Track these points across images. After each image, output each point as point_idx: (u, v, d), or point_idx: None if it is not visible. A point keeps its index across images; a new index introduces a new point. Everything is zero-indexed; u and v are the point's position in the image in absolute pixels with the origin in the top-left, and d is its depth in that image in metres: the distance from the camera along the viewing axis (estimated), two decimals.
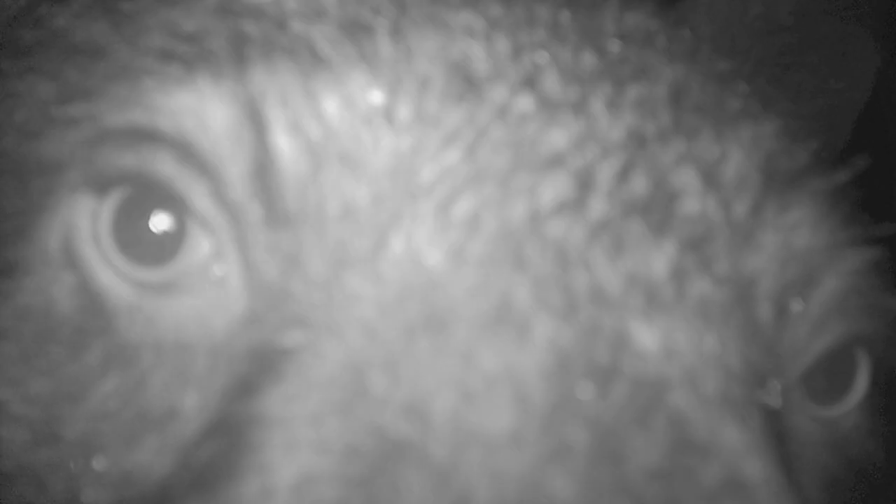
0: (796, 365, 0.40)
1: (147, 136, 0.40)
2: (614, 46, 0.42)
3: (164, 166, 0.40)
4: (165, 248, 0.40)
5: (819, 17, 0.57)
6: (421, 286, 0.35)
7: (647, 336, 0.33)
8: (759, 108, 0.42)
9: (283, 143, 0.38)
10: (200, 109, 0.39)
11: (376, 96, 0.39)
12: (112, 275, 0.40)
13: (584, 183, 0.37)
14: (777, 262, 0.38)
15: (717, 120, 0.40)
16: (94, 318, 0.40)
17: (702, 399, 0.31)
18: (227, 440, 0.37)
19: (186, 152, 0.40)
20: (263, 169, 0.38)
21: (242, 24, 0.42)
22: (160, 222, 0.40)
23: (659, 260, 0.35)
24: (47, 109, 0.44)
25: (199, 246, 0.40)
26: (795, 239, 0.39)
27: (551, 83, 0.39)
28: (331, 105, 0.39)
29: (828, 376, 0.41)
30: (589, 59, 0.41)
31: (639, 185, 0.37)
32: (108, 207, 0.41)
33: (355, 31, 0.41)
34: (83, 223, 0.41)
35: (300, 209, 0.38)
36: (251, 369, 0.37)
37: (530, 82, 0.39)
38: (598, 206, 0.36)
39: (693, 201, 0.37)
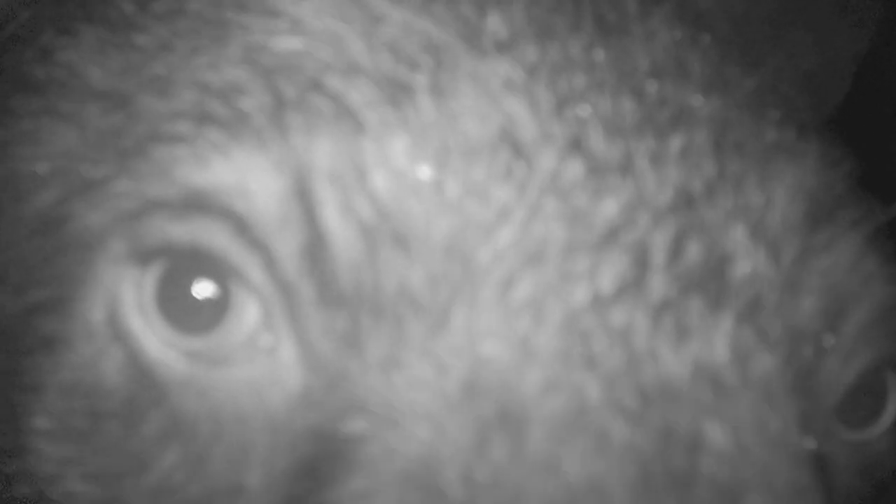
0: (831, 398, 0.41)
1: (195, 208, 0.40)
2: (651, 87, 0.41)
3: (213, 238, 0.40)
4: (212, 316, 0.40)
5: None
6: (488, 380, 0.35)
7: (719, 434, 0.34)
8: (794, 135, 0.42)
9: (334, 222, 0.38)
10: (246, 182, 0.39)
11: (424, 171, 0.38)
12: (161, 345, 0.40)
13: (640, 259, 0.37)
14: (820, 304, 0.39)
15: (759, 160, 0.40)
16: (146, 390, 0.40)
17: (775, 496, 0.33)
18: None
19: (236, 225, 0.39)
20: (314, 248, 0.38)
21: (275, 80, 0.41)
22: (205, 289, 0.40)
23: (719, 341, 0.36)
24: (75, 165, 0.44)
25: (248, 314, 0.40)
26: (836, 277, 0.40)
27: (596, 141, 0.39)
28: (379, 180, 0.38)
29: (858, 401, 0.42)
30: (629, 107, 0.40)
31: (692, 254, 0.37)
32: (152, 277, 0.41)
33: (393, 89, 0.40)
34: (127, 294, 0.41)
35: (354, 289, 0.38)
36: (316, 453, 0.37)
37: (577, 144, 0.39)
38: (656, 286, 0.36)
39: (744, 262, 0.38)
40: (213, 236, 0.40)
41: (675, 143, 0.40)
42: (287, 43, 0.43)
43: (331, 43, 0.42)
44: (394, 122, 0.39)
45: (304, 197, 0.38)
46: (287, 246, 0.39)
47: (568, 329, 0.36)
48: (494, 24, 0.42)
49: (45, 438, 0.41)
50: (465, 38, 0.42)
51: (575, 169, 0.38)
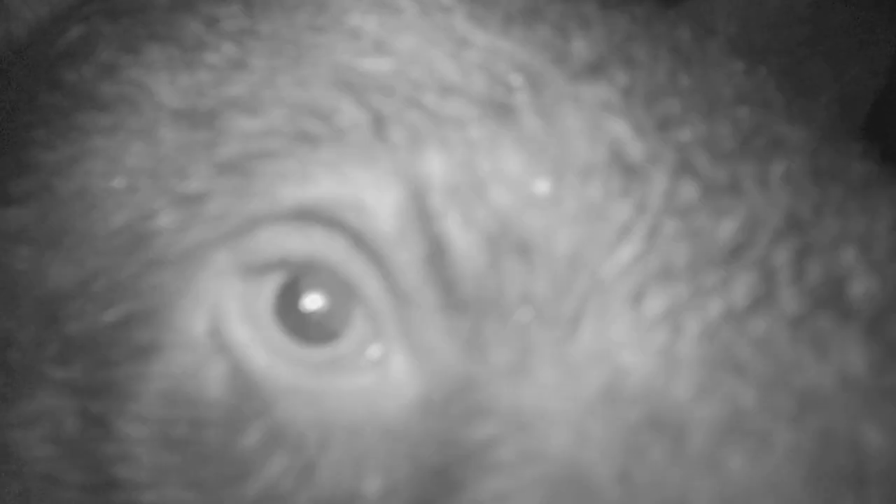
0: None
1: (308, 223, 0.40)
2: (742, 113, 0.43)
3: (328, 252, 0.40)
4: (323, 328, 0.41)
5: (836, 6, 0.60)
6: (631, 387, 0.36)
7: (877, 436, 0.35)
8: (875, 165, 0.44)
9: (455, 232, 0.39)
10: (360, 196, 0.40)
11: (541, 185, 0.39)
12: (268, 356, 0.41)
13: (768, 276, 0.38)
14: None
15: (855, 187, 0.42)
16: (250, 400, 0.40)
17: None
18: None
19: (352, 238, 0.40)
20: (435, 257, 0.39)
21: (368, 97, 0.42)
22: (318, 300, 0.41)
23: (855, 352, 0.37)
24: (160, 182, 0.44)
25: (360, 325, 0.40)
26: None
27: (703, 164, 0.40)
28: (496, 192, 0.39)
29: None
30: (726, 131, 0.42)
31: (813, 272, 0.39)
32: (261, 289, 0.41)
33: (494, 108, 0.41)
34: (233, 306, 0.41)
35: (477, 297, 0.39)
36: (441, 458, 0.38)
37: (686, 166, 0.40)
38: (788, 300, 0.37)
39: (860, 282, 0.39)
40: (328, 249, 0.40)
41: (777, 168, 0.41)
42: (374, 63, 0.44)
43: (420, 63, 0.43)
44: (503, 138, 0.40)
45: (421, 209, 0.39)
46: (405, 257, 0.39)
47: (709, 339, 0.37)
48: (580, 48, 0.44)
49: (142, 446, 0.41)
50: (553, 61, 0.43)
51: (689, 189, 0.40)
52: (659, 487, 0.35)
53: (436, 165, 0.40)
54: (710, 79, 0.45)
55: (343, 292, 0.41)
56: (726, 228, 0.39)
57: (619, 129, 0.41)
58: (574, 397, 0.37)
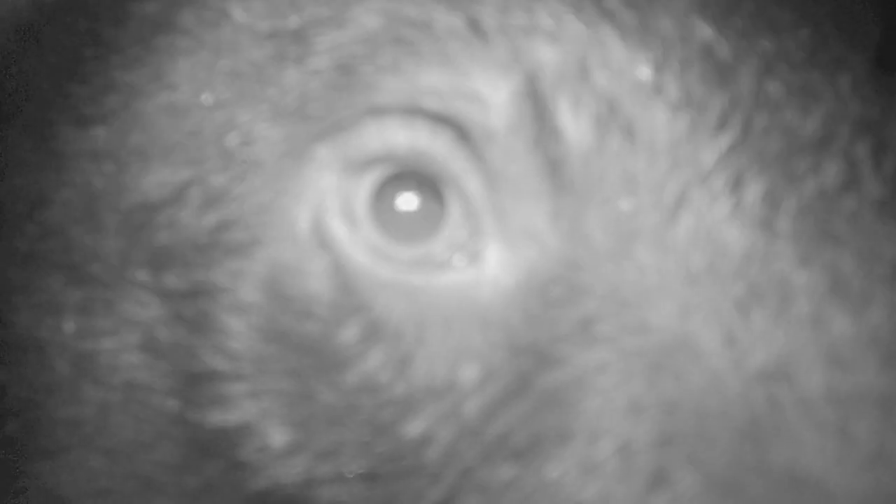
0: None
1: (413, 116, 0.41)
2: (804, 34, 0.44)
3: (432, 146, 0.41)
4: (423, 225, 0.41)
5: None
6: (735, 261, 0.38)
7: None
8: None
9: (567, 117, 0.40)
10: (476, 85, 0.41)
11: (645, 72, 0.41)
12: (368, 253, 0.41)
13: (852, 164, 0.40)
14: None
15: None
16: (349, 295, 0.41)
17: None
18: (529, 410, 0.39)
19: (458, 131, 0.41)
20: (546, 141, 0.40)
21: (463, 5, 0.43)
22: (415, 199, 0.42)
23: None
24: (258, 89, 0.44)
25: (456, 222, 0.41)
26: None
27: (782, 69, 0.42)
28: (602, 78, 0.41)
29: None
30: (793, 47, 0.43)
31: (889, 164, 0.41)
32: (361, 185, 0.42)
33: (593, 6, 0.42)
34: (334, 202, 0.42)
35: (582, 181, 0.40)
36: (542, 339, 0.39)
37: (769, 68, 0.42)
38: (871, 186, 0.40)
39: None
40: (433, 143, 0.41)
41: (844, 78, 0.43)
42: None
43: None
44: (604, 29, 0.41)
45: (533, 95, 0.40)
46: (516, 143, 0.40)
47: (806, 215, 0.39)
48: None
49: (242, 339, 0.42)
50: None
51: (774, 88, 0.42)
52: (765, 347, 0.37)
53: (544, 54, 0.41)
54: (768, 4, 0.47)
55: (440, 189, 0.41)
56: (811, 123, 0.41)
57: (707, 31, 0.42)
58: (676, 275, 0.38)
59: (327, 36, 0.44)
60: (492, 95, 0.40)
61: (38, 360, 0.45)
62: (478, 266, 0.41)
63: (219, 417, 0.41)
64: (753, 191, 0.39)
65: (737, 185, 0.39)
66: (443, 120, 0.41)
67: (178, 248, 0.43)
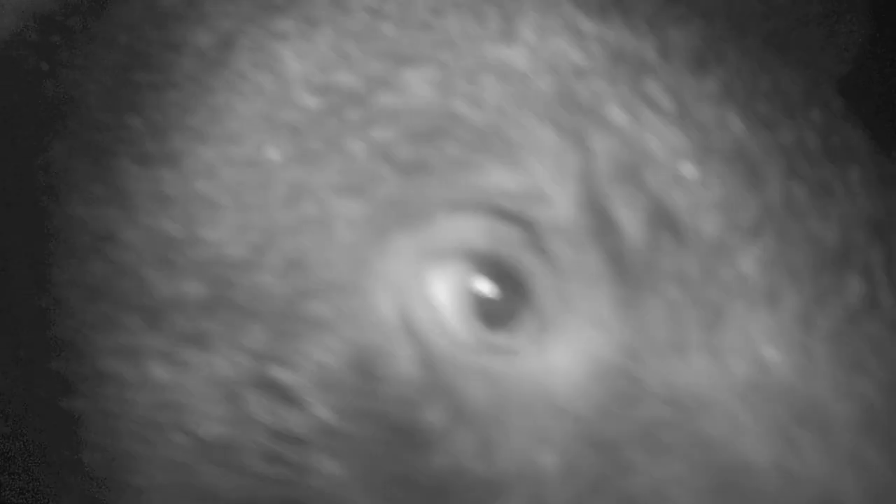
0: None
1: (486, 212, 0.43)
2: (815, 115, 0.46)
3: (505, 244, 0.43)
4: (495, 315, 0.43)
5: None
6: (775, 382, 0.40)
7: None
8: None
9: (622, 210, 0.42)
10: (542, 186, 0.42)
11: (688, 168, 0.42)
12: (449, 338, 0.43)
13: (869, 277, 0.42)
14: None
15: None
16: (434, 378, 0.42)
17: None
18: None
19: (523, 230, 0.42)
20: (607, 235, 0.42)
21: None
22: (491, 287, 0.43)
23: None
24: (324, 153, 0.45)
25: (529, 313, 0.43)
26: None
27: (803, 166, 0.44)
28: (650, 174, 0.42)
29: None
30: (808, 134, 0.45)
31: None
32: (440, 275, 0.43)
33: (632, 94, 0.44)
34: (415, 287, 0.43)
35: (640, 271, 0.41)
36: (615, 436, 0.41)
37: (792, 166, 0.43)
38: (887, 302, 0.42)
39: None
40: (506, 241, 0.43)
41: (854, 172, 0.45)
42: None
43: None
44: (646, 122, 0.43)
45: (593, 196, 0.42)
46: (580, 239, 0.42)
47: (838, 339, 0.41)
48: (678, 39, 0.47)
49: (327, 411, 0.43)
50: (660, 53, 0.46)
51: (799, 191, 0.43)
52: (813, 482, 0.39)
53: (598, 150, 0.42)
54: (779, 81, 0.48)
55: (514, 278, 0.43)
56: (831, 231, 0.43)
57: (738, 124, 0.44)
58: (724, 385, 0.40)
59: (387, 99, 0.45)
60: (557, 194, 0.42)
61: (118, 395, 0.46)
62: (549, 354, 0.42)
63: (307, 483, 0.43)
64: (788, 308, 0.41)
65: (773, 299, 0.41)
66: (513, 217, 0.42)
67: (261, 311, 0.44)
